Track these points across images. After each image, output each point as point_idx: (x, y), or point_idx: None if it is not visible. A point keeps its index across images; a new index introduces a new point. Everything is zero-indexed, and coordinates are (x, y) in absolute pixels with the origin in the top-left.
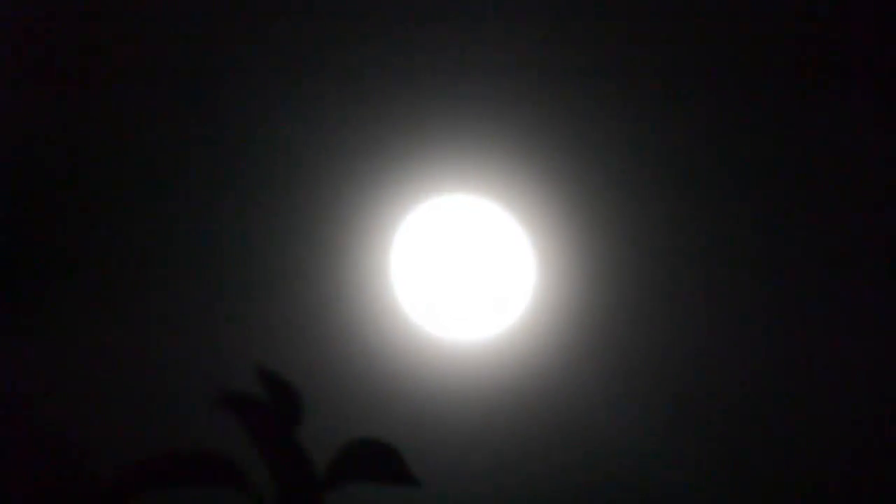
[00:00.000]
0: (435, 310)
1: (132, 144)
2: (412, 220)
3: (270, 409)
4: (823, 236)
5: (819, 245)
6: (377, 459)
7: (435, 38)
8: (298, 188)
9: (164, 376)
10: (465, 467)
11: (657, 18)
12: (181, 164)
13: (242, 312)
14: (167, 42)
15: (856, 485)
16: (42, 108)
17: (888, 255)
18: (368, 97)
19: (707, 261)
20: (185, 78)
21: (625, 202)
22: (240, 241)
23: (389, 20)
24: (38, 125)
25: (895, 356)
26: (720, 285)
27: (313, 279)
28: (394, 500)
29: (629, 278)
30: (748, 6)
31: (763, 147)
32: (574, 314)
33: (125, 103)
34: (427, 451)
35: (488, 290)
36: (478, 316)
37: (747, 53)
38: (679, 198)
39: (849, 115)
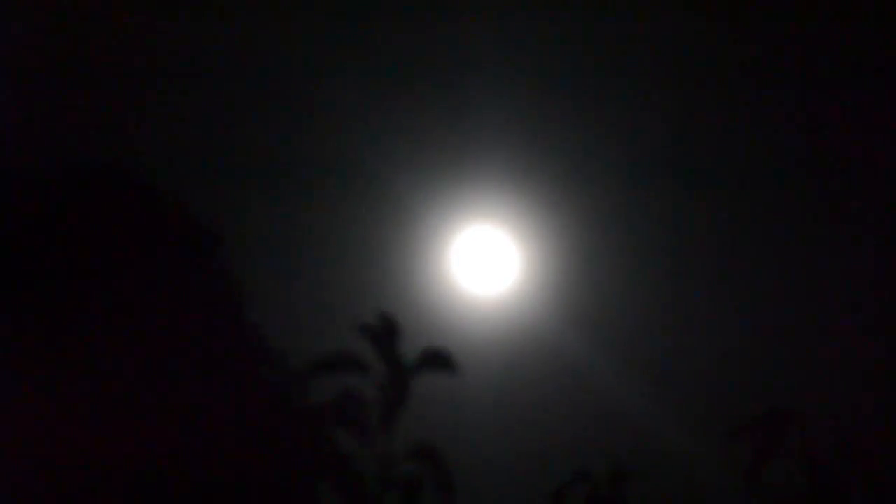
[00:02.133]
0: (472, 279)
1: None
2: (459, 230)
3: (385, 332)
4: (783, 226)
5: (779, 233)
6: (440, 358)
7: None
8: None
9: (319, 316)
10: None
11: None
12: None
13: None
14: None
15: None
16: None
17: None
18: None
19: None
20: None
21: (590, 204)
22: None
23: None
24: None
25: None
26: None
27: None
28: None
29: (597, 262)
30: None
31: (719, 145)
32: (553, 285)
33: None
34: (463, 356)
35: (499, 270)
36: (494, 283)
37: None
38: (640, 192)
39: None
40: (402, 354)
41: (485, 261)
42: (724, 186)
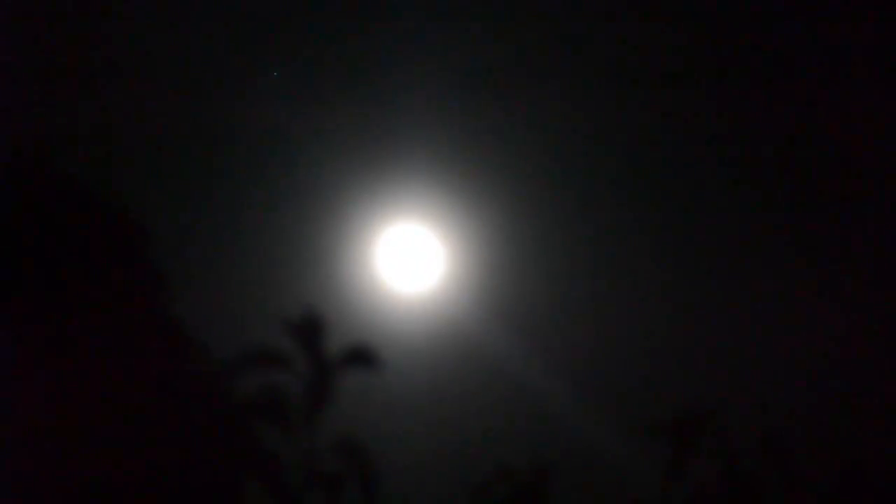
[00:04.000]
0: (396, 276)
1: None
2: (388, 228)
3: (309, 328)
4: (723, 231)
5: (724, 238)
6: (364, 355)
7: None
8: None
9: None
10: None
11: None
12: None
13: (295, 280)
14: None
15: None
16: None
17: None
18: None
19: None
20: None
21: (512, 206)
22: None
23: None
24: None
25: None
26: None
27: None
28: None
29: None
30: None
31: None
32: (476, 281)
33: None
34: (388, 351)
35: (424, 266)
36: (418, 279)
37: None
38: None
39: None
40: (327, 350)
41: (410, 258)
42: (653, 176)
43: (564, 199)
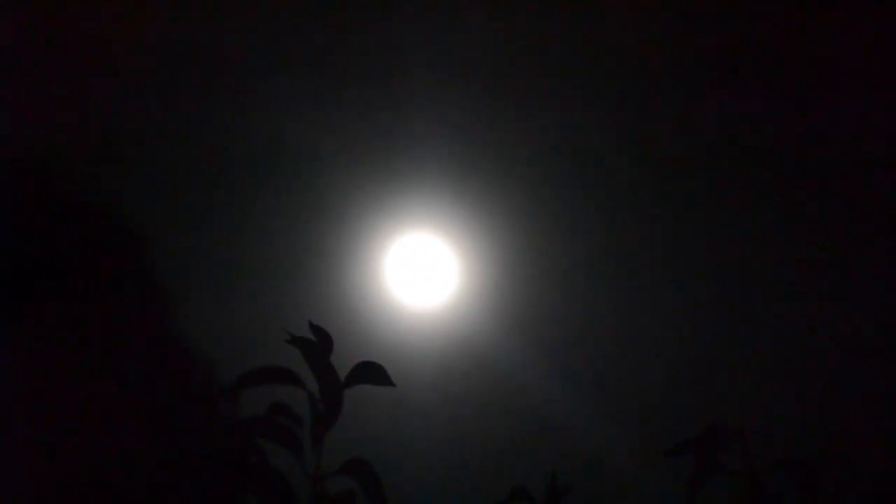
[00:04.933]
0: (405, 290)
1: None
2: (394, 238)
3: (317, 345)
4: (728, 238)
5: (724, 245)
6: (372, 372)
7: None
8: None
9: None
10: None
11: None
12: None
13: (298, 291)
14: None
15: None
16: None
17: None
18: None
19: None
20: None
21: (527, 213)
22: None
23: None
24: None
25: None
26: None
27: (333, 272)
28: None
29: (535, 272)
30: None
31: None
32: (486, 292)
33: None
34: (397, 370)
35: (436, 278)
36: (430, 293)
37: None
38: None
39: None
40: (334, 368)
41: (422, 270)
42: (680, 192)
43: (589, 206)
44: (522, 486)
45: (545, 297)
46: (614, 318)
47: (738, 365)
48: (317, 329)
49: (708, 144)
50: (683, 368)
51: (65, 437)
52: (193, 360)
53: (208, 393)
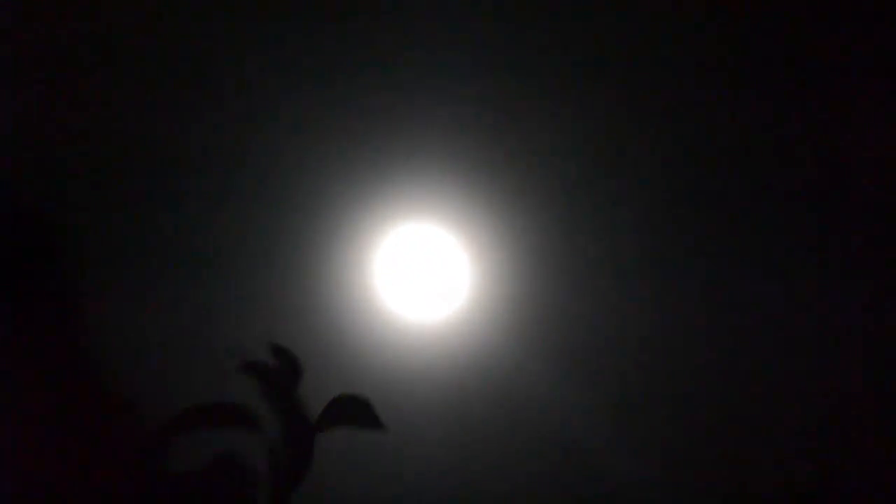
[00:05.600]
0: (402, 298)
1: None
2: (390, 234)
3: (277, 372)
4: (731, 239)
5: (728, 246)
6: (355, 410)
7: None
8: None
9: (198, 351)
10: (423, 415)
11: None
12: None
13: (260, 303)
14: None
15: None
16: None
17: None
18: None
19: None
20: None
21: (537, 217)
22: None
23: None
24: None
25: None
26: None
27: (316, 277)
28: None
29: (546, 275)
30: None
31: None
32: (502, 302)
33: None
34: (393, 404)
35: (441, 285)
36: (433, 303)
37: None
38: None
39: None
40: (304, 404)
41: (427, 279)
42: (701, 194)
43: (616, 208)
44: None
45: (568, 309)
46: (635, 325)
47: (760, 375)
48: (281, 352)
49: (723, 145)
50: (703, 379)
51: None
52: (122, 401)
53: (140, 441)
